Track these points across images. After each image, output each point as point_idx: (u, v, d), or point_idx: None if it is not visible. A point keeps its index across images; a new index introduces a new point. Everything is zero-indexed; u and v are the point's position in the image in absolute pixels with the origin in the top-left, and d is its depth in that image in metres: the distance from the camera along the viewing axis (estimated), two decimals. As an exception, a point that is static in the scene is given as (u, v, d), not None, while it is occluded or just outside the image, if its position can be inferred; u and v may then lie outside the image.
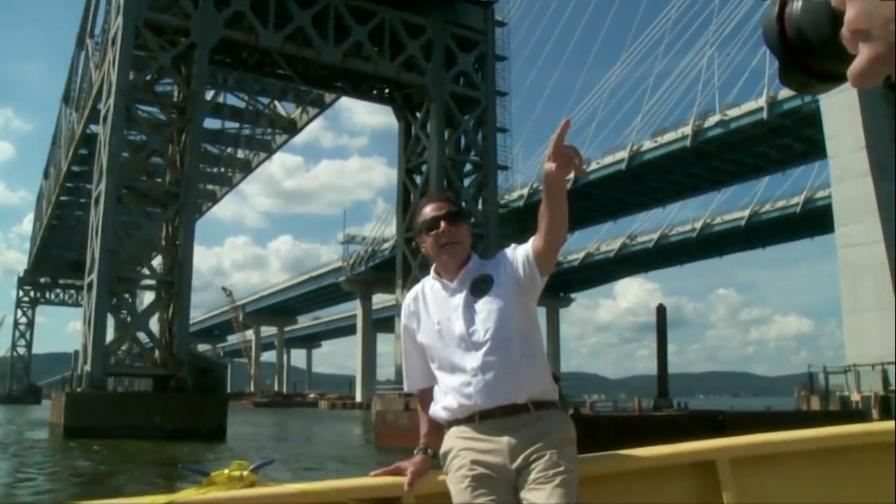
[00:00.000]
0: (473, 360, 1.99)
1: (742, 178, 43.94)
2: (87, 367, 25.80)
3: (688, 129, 38.00)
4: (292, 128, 48.01)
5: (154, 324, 29.24)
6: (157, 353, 27.88)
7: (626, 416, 20.80)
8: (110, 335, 28.00)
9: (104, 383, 26.67)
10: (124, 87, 27.57)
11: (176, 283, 27.78)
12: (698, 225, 50.41)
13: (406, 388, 2.22)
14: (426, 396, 2.16)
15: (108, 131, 27.57)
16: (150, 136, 28.57)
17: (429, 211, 2.12)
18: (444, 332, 2.05)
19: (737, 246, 54.04)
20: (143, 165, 29.05)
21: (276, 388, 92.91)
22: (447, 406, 2.05)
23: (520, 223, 46.56)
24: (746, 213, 47.33)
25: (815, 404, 26.78)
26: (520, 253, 2.05)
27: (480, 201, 35.88)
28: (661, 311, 27.51)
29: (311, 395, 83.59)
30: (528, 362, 2.01)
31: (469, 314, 2.03)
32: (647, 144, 40.41)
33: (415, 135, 36.30)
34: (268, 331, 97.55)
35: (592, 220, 52.07)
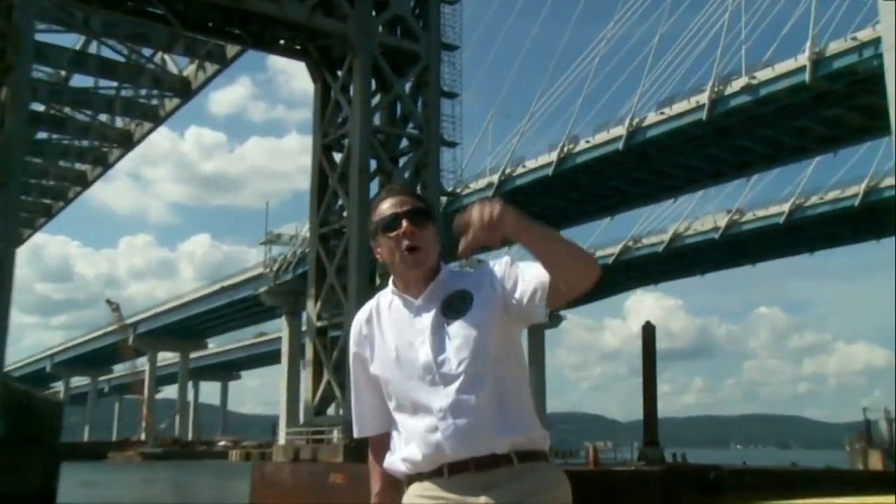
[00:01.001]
0: (442, 398, 2.04)
1: (777, 161, 43.18)
2: None
3: (704, 97, 37.37)
4: (185, 89, 46.42)
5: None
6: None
7: (574, 470, 19.59)
8: None
9: None
10: None
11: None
12: (723, 223, 50.29)
13: (356, 434, 2.29)
14: (380, 444, 2.22)
15: None
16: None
17: (387, 207, 2.20)
18: (405, 361, 2.11)
19: (775, 250, 54.16)
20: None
21: (177, 433, 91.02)
22: (408, 457, 2.10)
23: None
24: (787, 206, 47.12)
25: (876, 461, 26.88)
26: (525, 274, 2.10)
27: (419, 187, 34.83)
28: (647, 331, 27.52)
29: (221, 443, 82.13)
30: (512, 403, 2.07)
31: (439, 340, 2.09)
32: (651, 118, 40.08)
33: (334, 100, 35.63)
34: (169, 358, 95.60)
35: (583, 217, 51.97)
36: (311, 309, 35.72)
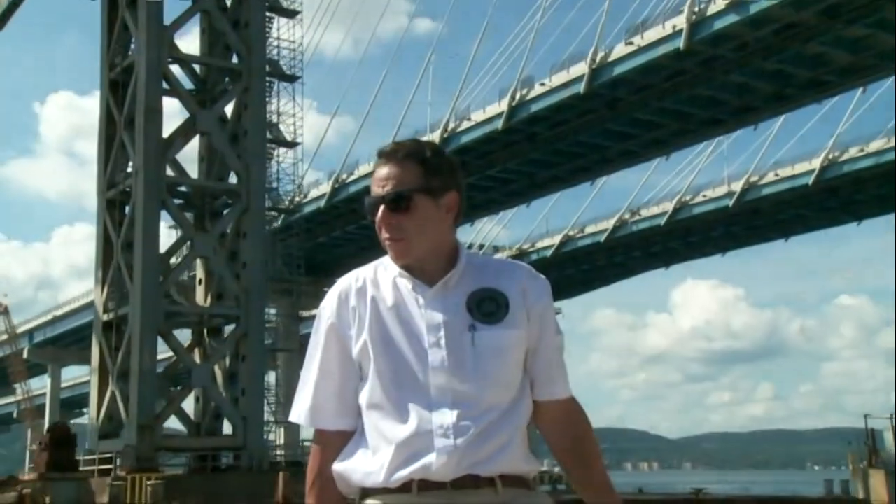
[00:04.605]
0: (448, 415, 2.02)
1: (789, 102, 41.35)
2: None
3: (681, 20, 35.72)
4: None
5: None
6: None
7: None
8: None
9: None
10: None
11: None
12: (738, 186, 49.20)
13: (308, 422, 2.20)
14: (336, 446, 2.16)
15: None
16: None
17: (373, 182, 2.18)
18: (408, 356, 2.08)
19: (807, 219, 53.33)
20: None
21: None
22: (374, 468, 2.06)
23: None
24: (817, 162, 45.82)
25: (879, 485, 26.28)
26: (548, 352, 2.16)
27: (243, 134, 33.13)
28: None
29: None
30: (517, 434, 2.10)
31: (459, 345, 2.06)
32: (620, 50, 39.07)
33: (122, 17, 33.21)
34: (77, 374, 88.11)
35: (554, 182, 51.37)
36: (98, 298, 34.25)
